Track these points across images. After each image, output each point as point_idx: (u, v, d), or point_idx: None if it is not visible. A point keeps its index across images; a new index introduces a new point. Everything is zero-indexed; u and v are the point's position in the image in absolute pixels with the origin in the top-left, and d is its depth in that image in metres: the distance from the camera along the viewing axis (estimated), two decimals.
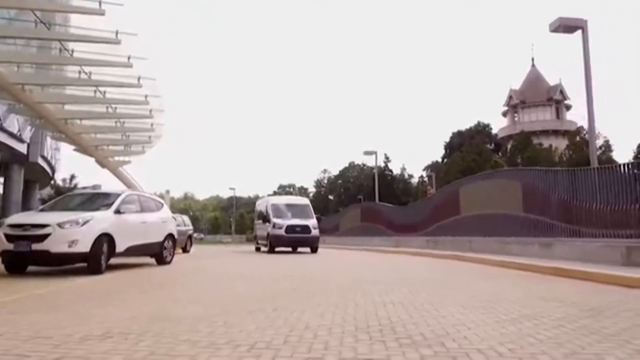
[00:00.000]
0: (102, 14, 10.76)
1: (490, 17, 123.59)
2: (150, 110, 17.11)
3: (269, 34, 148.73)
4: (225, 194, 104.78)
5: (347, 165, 75.20)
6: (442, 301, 4.96)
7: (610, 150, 44.80)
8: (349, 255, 15.94)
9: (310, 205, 19.66)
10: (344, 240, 27.98)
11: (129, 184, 23.88)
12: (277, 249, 17.63)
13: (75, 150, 20.45)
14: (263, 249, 19.25)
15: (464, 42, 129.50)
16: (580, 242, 8.95)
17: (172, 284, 6.92)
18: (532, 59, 57.70)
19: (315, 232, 17.67)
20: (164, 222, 10.60)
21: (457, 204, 15.14)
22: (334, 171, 77.45)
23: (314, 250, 17.55)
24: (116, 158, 22.27)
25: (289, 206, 19.01)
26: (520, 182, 11.53)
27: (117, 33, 11.76)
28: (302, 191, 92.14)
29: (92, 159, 21.35)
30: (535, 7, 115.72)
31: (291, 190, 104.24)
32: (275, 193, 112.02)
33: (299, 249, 18.42)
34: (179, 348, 2.97)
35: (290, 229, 17.25)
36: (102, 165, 21.78)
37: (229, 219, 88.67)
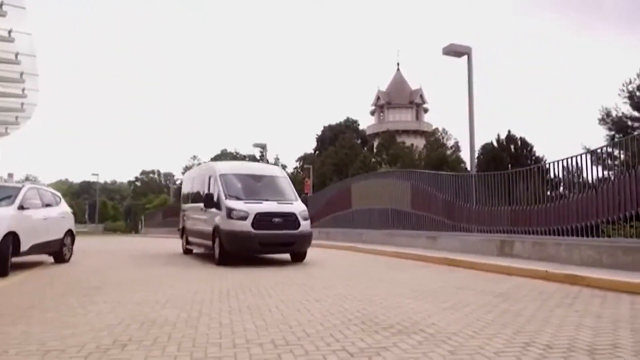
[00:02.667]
0: None
1: (361, 22, 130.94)
2: (24, 89, 15.35)
3: (140, 18, 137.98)
4: (76, 178, 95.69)
5: (219, 152, 73.90)
6: (382, 293, 5.77)
7: (459, 150, 51.66)
8: None
9: (287, 176, 11.67)
10: None
11: None
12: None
13: None
14: (197, 250, 12.10)
15: (335, 43, 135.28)
16: (462, 236, 10.62)
17: (105, 286, 6.56)
18: (398, 64, 63.13)
19: (305, 225, 9.86)
20: (63, 218, 9.87)
21: (348, 199, 16.41)
22: (205, 158, 75.42)
23: (300, 257, 10.11)
24: None
25: (253, 179, 10.73)
26: (410, 182, 13.06)
27: (1, 5, 10.50)
28: (168, 178, 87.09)
29: None
30: (403, 16, 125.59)
31: (154, 176, 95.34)
32: (137, 179, 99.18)
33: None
34: (212, 350, 3.24)
35: (262, 220, 9.33)
36: None
37: (85, 207, 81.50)
